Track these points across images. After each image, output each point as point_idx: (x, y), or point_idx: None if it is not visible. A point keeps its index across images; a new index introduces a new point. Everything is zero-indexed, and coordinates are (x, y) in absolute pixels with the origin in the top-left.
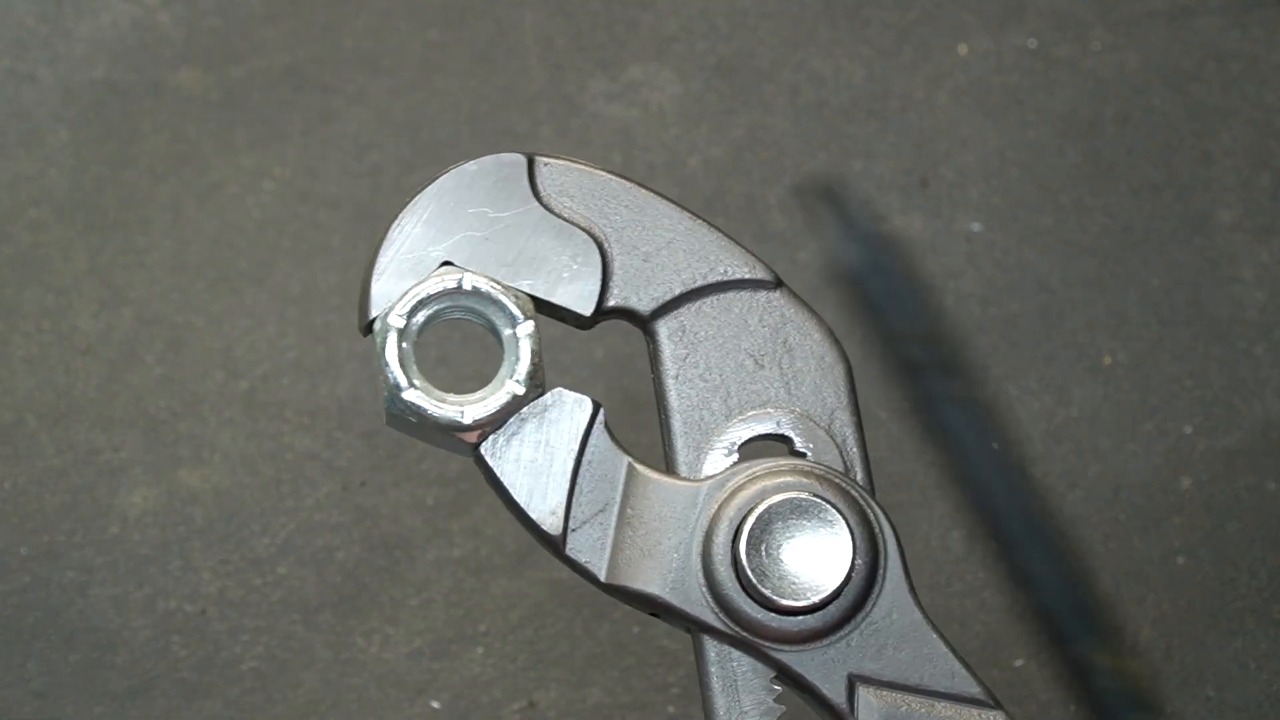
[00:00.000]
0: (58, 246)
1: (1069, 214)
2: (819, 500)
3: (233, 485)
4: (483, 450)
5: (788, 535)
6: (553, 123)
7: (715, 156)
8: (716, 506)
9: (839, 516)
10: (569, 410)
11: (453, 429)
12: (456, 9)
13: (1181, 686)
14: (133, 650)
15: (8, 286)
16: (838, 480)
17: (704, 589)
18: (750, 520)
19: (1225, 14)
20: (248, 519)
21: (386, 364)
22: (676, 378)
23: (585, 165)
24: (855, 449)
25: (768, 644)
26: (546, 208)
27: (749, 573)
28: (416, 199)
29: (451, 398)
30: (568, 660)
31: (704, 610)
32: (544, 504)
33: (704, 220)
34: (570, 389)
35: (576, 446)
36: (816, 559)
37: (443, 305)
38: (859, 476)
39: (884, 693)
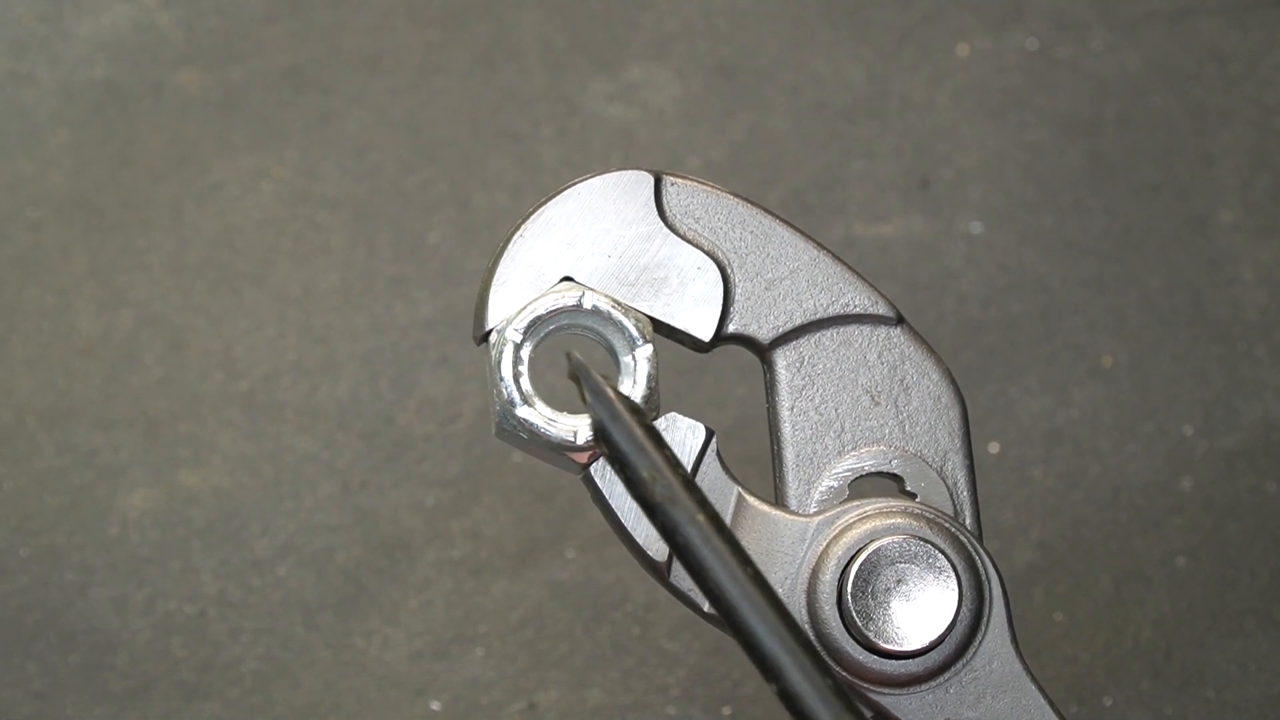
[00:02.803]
0: (58, 246)
1: (1069, 214)
2: (928, 545)
3: (233, 486)
4: (592, 471)
5: (895, 579)
6: (553, 123)
7: (715, 156)
8: (825, 544)
9: (947, 563)
10: (682, 436)
11: (565, 449)
12: (456, 9)
13: (1181, 687)
14: (133, 651)
15: (8, 286)
16: (948, 525)
17: (807, 626)
18: (858, 561)
19: (1225, 14)
20: (248, 520)
21: (501, 378)
22: (792, 409)
23: (712, 187)
24: (966, 492)
25: (867, 685)
26: (671, 228)
27: (853, 614)
28: (540, 210)
29: (565, 417)
30: (568, 661)
31: None
32: (650, 529)
33: (828, 251)
34: (685, 414)
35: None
36: (922, 604)
37: (561, 322)
38: (968, 521)
39: None
